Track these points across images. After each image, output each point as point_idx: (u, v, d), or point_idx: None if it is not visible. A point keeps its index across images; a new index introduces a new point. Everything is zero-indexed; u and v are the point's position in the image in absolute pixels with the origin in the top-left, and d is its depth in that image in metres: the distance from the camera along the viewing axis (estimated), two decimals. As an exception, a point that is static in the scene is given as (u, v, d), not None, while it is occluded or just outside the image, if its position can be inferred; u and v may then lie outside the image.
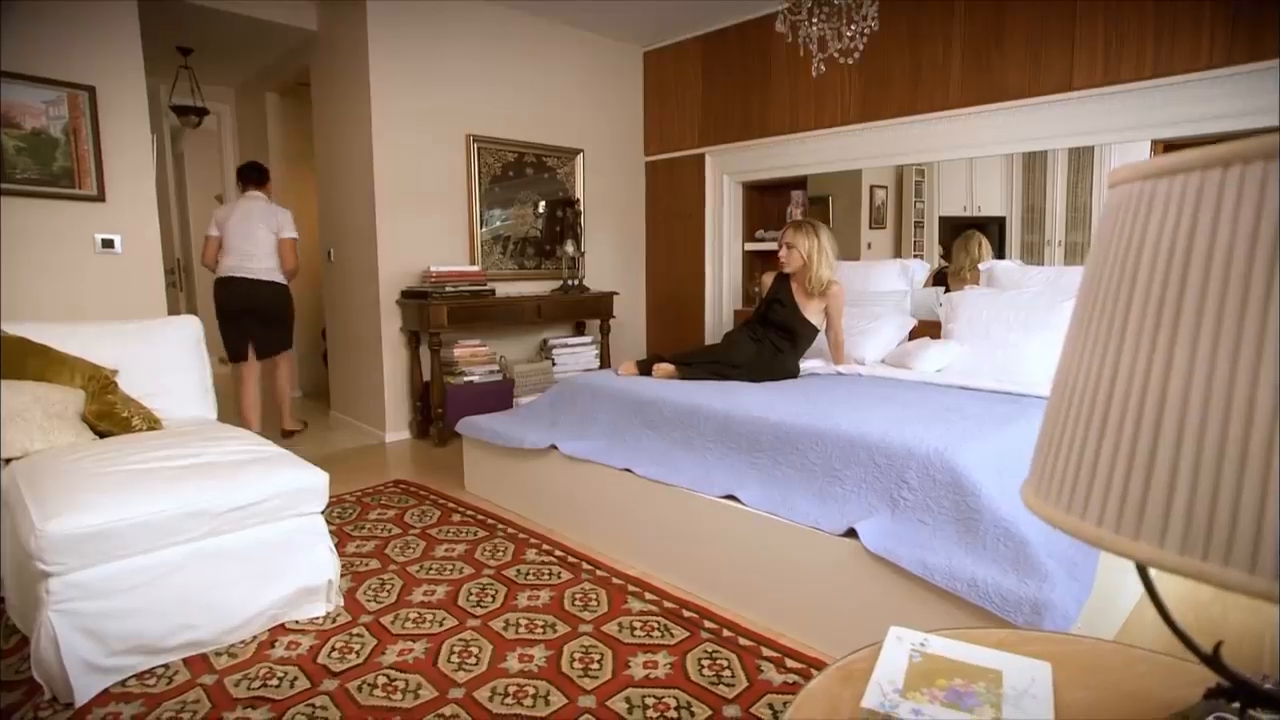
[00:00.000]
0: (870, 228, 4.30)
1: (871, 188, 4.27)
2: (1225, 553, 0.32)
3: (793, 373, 3.01)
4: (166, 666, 1.80)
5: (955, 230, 3.91)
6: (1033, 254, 3.61)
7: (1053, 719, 0.68)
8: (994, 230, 3.77)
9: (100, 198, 3.11)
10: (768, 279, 3.30)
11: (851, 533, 1.85)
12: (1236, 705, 0.59)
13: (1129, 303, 0.37)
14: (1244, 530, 0.31)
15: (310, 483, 2.03)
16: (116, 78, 3.13)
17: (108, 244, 3.15)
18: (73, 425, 2.27)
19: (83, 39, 3.04)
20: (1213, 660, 0.43)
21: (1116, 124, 3.16)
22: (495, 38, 4.31)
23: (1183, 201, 0.35)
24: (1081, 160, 3.42)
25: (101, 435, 2.31)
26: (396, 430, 4.19)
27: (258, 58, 4.79)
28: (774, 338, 3.06)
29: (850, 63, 2.94)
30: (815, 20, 2.74)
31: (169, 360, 2.66)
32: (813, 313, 3.11)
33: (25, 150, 2.92)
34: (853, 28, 2.71)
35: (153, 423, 2.43)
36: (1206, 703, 0.61)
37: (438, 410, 3.97)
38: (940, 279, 3.92)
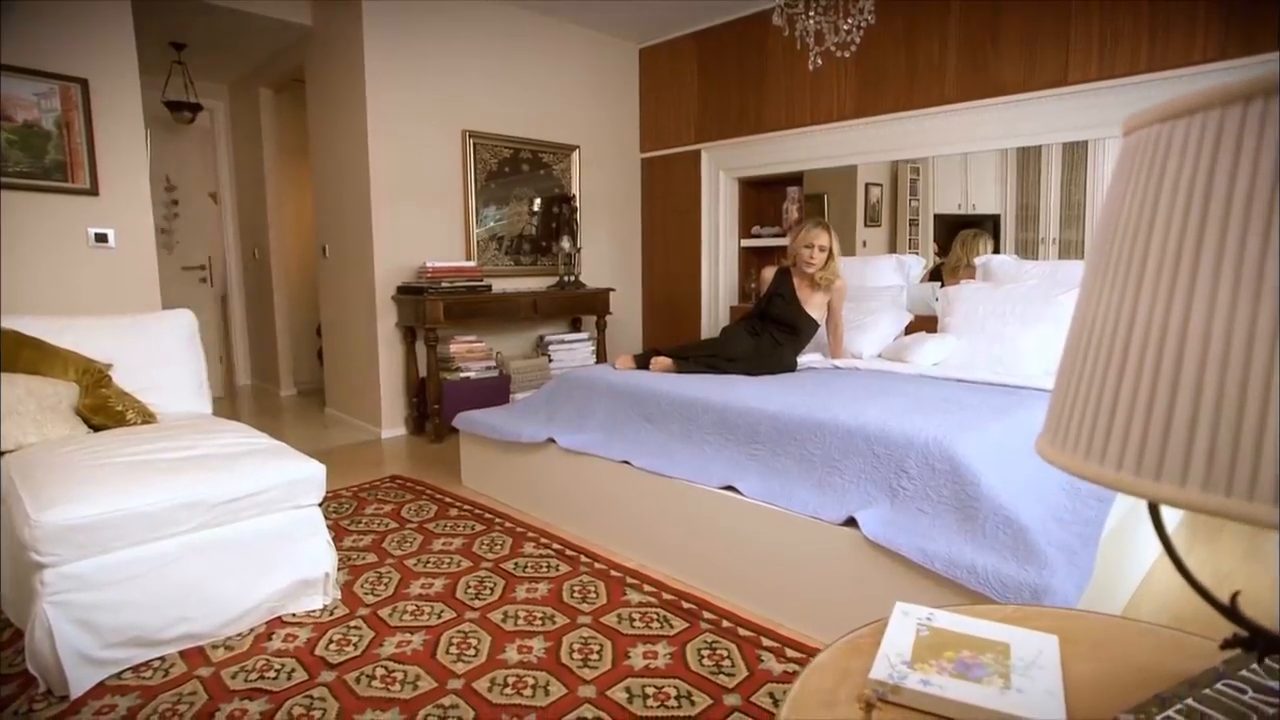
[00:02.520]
0: (865, 225, 4.30)
1: (867, 185, 4.27)
2: (1249, 488, 0.31)
3: (790, 367, 3.01)
4: (163, 659, 1.78)
5: (950, 228, 3.92)
6: (1027, 251, 3.62)
7: (1062, 689, 0.68)
8: (989, 228, 3.79)
9: (93, 192, 3.09)
10: (768, 273, 3.30)
11: (851, 522, 1.85)
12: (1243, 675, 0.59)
13: (1147, 246, 0.37)
14: (1268, 465, 0.31)
15: (307, 474, 2.02)
16: (109, 71, 3.11)
17: (101, 238, 3.13)
18: (66, 419, 2.25)
19: (75, 33, 3.01)
20: (1229, 610, 0.43)
21: (1111, 119, 3.18)
22: (491, 33, 4.30)
23: (1202, 140, 0.35)
24: (1075, 158, 3.43)
25: (96, 429, 2.29)
26: (392, 427, 4.18)
27: (251, 54, 4.77)
28: (774, 332, 3.06)
29: (847, 56, 2.95)
30: (812, 13, 2.74)
31: (163, 354, 2.64)
32: (814, 307, 3.11)
33: (16, 143, 2.90)
34: (849, 21, 2.71)
35: (147, 416, 2.41)
36: (1215, 668, 0.61)
37: (434, 406, 3.96)
38: (936, 275, 3.93)
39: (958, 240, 3.82)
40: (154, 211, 5.27)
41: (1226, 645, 0.47)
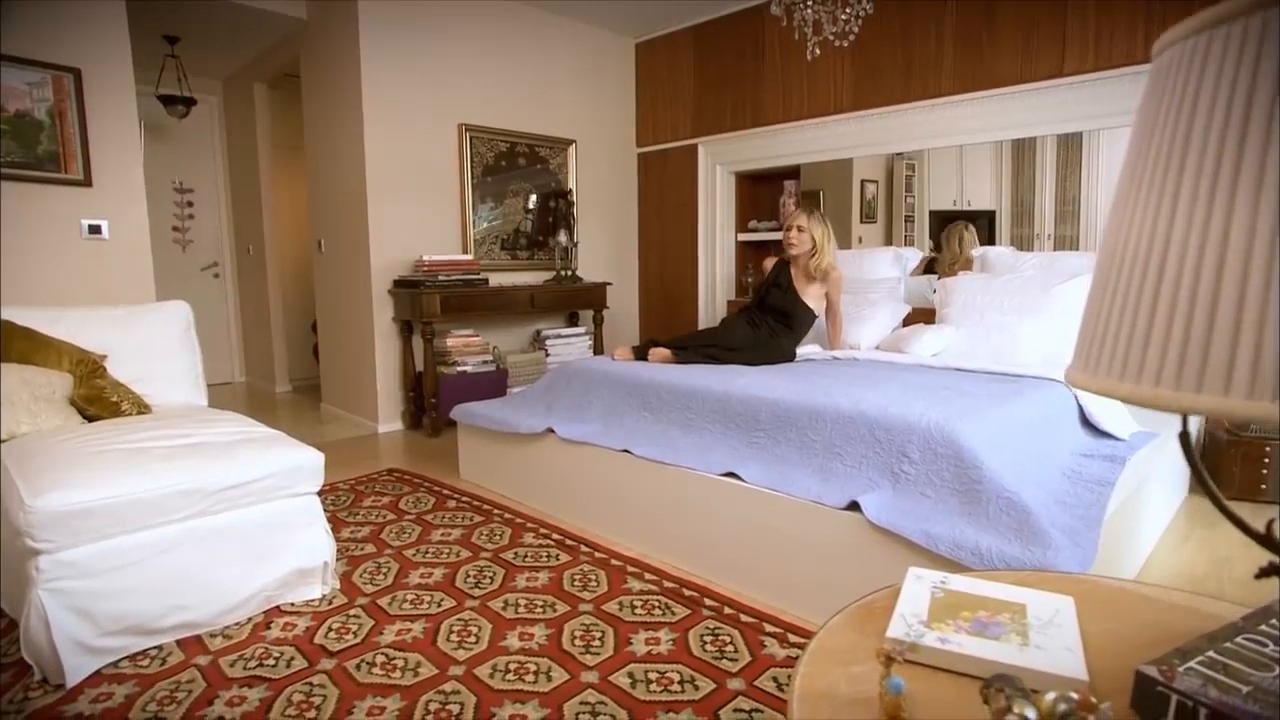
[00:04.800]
0: (861, 222, 4.31)
1: (862, 182, 4.28)
2: (1297, 392, 0.31)
3: (789, 357, 3.00)
4: (160, 648, 1.76)
5: (945, 224, 3.93)
6: (1022, 246, 3.62)
7: (1080, 645, 0.68)
8: (984, 223, 3.79)
9: (87, 183, 3.06)
10: (769, 264, 3.30)
11: (853, 507, 1.84)
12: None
13: (1183, 161, 0.36)
14: (1316, 369, 0.31)
15: (305, 462, 2.00)
16: (103, 62, 3.08)
17: (94, 229, 3.10)
18: (60, 409, 2.22)
19: (68, 22, 2.99)
20: (1265, 538, 0.43)
21: (1108, 110, 3.18)
22: (487, 27, 4.29)
23: (1243, 44, 0.34)
24: (1069, 154, 3.44)
25: (90, 420, 2.27)
26: (389, 421, 4.15)
27: (246, 48, 4.74)
28: (771, 322, 3.06)
29: (844, 45, 2.95)
30: (810, 3, 2.74)
31: (158, 346, 2.62)
32: (812, 298, 3.11)
33: (8, 133, 2.87)
34: (848, 10, 2.71)
35: (142, 407, 2.38)
36: (1234, 623, 0.61)
37: (431, 400, 3.94)
38: (929, 269, 3.93)
39: (953, 235, 3.82)
40: (167, 211, 5.27)
41: (1263, 574, 0.46)
